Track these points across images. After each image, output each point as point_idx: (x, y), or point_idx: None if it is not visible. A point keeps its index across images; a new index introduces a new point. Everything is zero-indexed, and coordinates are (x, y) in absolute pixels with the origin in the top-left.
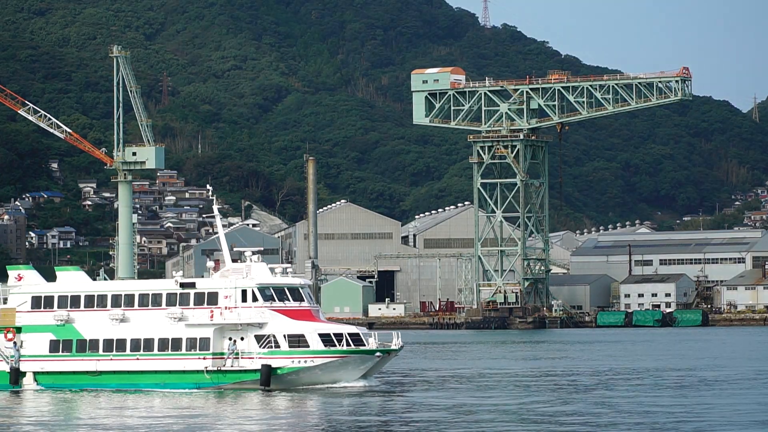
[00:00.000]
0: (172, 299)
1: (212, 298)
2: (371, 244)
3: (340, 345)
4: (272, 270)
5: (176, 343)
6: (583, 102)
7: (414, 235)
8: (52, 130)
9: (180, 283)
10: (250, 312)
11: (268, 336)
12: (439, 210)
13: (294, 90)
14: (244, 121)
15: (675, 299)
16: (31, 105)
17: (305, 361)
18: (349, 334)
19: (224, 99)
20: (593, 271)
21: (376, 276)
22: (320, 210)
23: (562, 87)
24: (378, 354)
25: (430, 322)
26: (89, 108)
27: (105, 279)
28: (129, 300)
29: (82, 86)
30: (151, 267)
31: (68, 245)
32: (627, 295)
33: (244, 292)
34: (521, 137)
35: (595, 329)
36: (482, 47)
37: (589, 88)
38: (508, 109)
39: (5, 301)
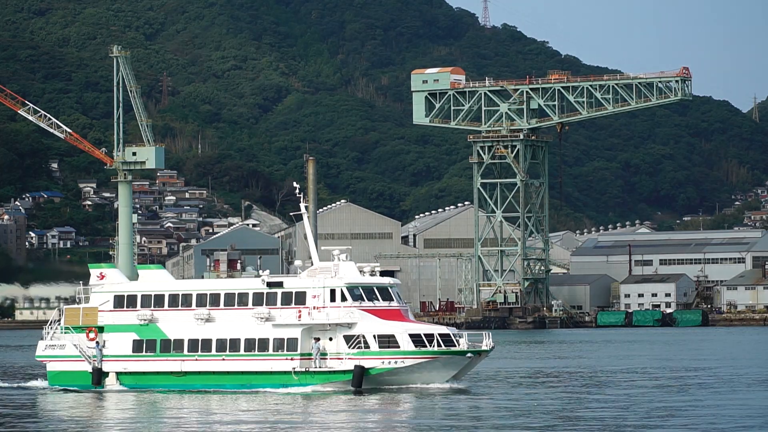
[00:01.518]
0: (258, 299)
1: (300, 298)
2: (371, 244)
3: (431, 345)
4: (360, 269)
5: (263, 344)
6: (583, 102)
7: (414, 235)
8: (52, 130)
9: (267, 283)
10: (339, 312)
11: (358, 336)
12: (439, 210)
13: (294, 90)
14: (244, 121)
15: (675, 299)
16: (31, 105)
17: (396, 362)
18: (439, 334)
19: (224, 99)
20: (593, 271)
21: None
22: (320, 210)
23: (562, 87)
24: (469, 355)
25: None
26: (89, 108)
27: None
28: (214, 299)
29: (82, 86)
30: None
31: (68, 245)
32: (627, 295)
33: (332, 292)
34: (521, 137)
35: (595, 329)
36: (482, 47)
37: (589, 88)
38: (508, 109)
39: (87, 300)
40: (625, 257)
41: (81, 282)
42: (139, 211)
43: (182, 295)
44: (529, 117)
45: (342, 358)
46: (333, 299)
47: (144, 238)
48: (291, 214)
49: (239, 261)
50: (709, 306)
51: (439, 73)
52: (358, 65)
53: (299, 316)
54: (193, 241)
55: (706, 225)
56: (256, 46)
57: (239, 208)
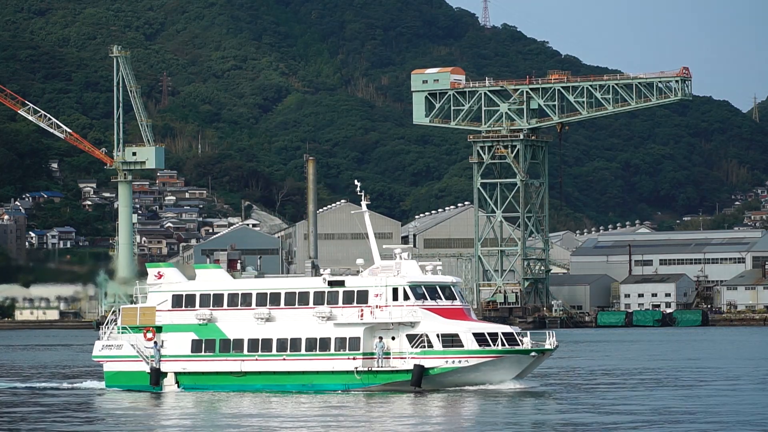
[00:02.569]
0: (319, 298)
1: (362, 297)
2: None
3: (494, 345)
4: (422, 267)
5: (325, 343)
6: (583, 102)
7: (414, 235)
8: (52, 130)
9: (329, 281)
10: (402, 311)
11: (421, 335)
12: (439, 210)
13: (294, 90)
14: (244, 121)
15: (675, 299)
16: (31, 105)
17: (459, 362)
18: (503, 333)
19: (224, 99)
20: (593, 271)
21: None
22: (320, 210)
23: (562, 87)
24: (533, 354)
25: None
26: (89, 108)
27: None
28: (275, 298)
29: (82, 86)
30: None
31: (68, 245)
32: (627, 295)
33: (395, 291)
34: (521, 137)
35: (595, 329)
36: (482, 47)
37: (589, 88)
38: (508, 109)
39: (144, 299)
40: (625, 257)
41: (81, 282)
42: (139, 211)
43: (242, 294)
44: (529, 117)
45: (405, 358)
46: (395, 298)
47: (144, 238)
48: (353, 212)
49: (239, 261)
50: (709, 306)
51: (439, 73)
52: (358, 65)
53: (361, 315)
54: (193, 241)
55: (706, 225)
56: (256, 46)
57: (239, 208)
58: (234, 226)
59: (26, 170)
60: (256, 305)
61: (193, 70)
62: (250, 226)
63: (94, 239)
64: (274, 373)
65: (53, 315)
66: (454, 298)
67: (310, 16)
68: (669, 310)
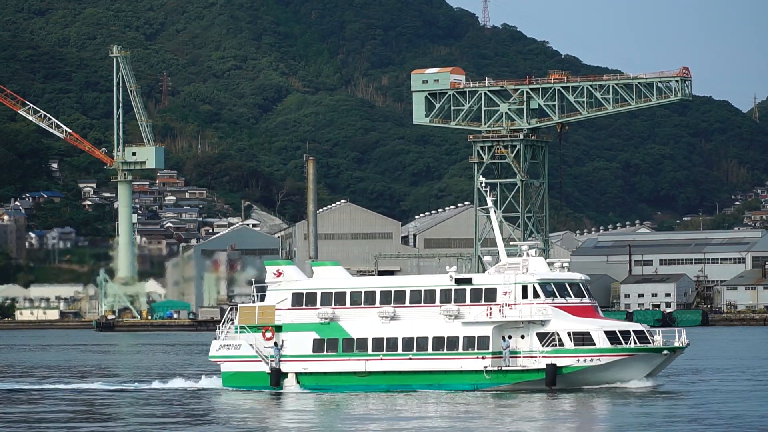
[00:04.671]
0: (446, 296)
1: (490, 295)
2: (371, 244)
3: (626, 343)
4: (550, 264)
5: (452, 342)
6: (583, 102)
7: (414, 235)
8: (52, 130)
9: (455, 279)
10: (532, 309)
11: (552, 334)
12: (439, 210)
13: (294, 90)
14: (244, 121)
15: (675, 299)
16: (31, 105)
17: (591, 360)
18: (634, 331)
19: (224, 99)
20: (593, 271)
21: (376, 275)
22: (320, 210)
23: (562, 87)
24: (665, 352)
25: None
26: (89, 108)
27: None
28: (399, 296)
29: (82, 86)
30: (151, 267)
31: (68, 245)
32: (627, 295)
33: (524, 288)
34: (521, 137)
35: None
36: (482, 47)
37: (589, 88)
38: (508, 109)
39: (262, 298)
40: (625, 257)
41: (81, 282)
42: (139, 211)
43: (365, 292)
44: (529, 117)
45: (535, 357)
46: (525, 296)
47: (144, 238)
48: (479, 209)
49: (238, 262)
50: (709, 306)
51: (439, 73)
52: (358, 65)
53: (489, 314)
54: (193, 241)
55: (706, 225)
56: (256, 46)
57: (239, 208)
58: (234, 226)
59: (26, 170)
60: (380, 303)
61: (193, 70)
62: (250, 226)
63: (94, 239)
64: (400, 372)
65: (53, 315)
66: (583, 296)
67: (310, 16)
68: (669, 310)
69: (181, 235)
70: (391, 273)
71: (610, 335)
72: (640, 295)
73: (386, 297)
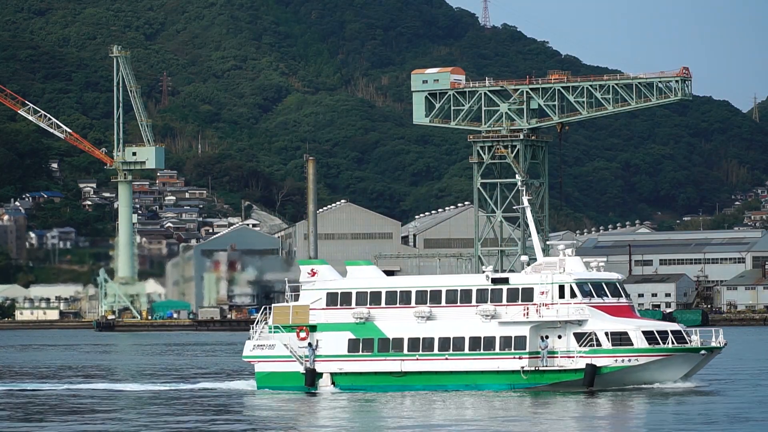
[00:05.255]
0: (483, 295)
1: (527, 294)
2: (371, 244)
3: (664, 343)
4: (586, 264)
5: (489, 342)
6: (583, 102)
7: (414, 235)
8: (52, 130)
9: (492, 279)
10: (570, 309)
11: (589, 334)
12: (439, 210)
13: (294, 90)
14: (244, 121)
15: (675, 299)
16: (31, 105)
17: (629, 360)
18: (672, 331)
19: (224, 99)
20: None
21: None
22: (320, 210)
23: (562, 87)
24: (703, 352)
25: None
26: (89, 108)
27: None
28: (435, 296)
29: (82, 86)
30: (151, 267)
31: (68, 245)
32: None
33: (561, 288)
34: (521, 137)
35: None
36: (482, 47)
37: (589, 88)
38: (508, 109)
39: (296, 297)
40: (625, 257)
41: (81, 282)
42: (139, 211)
43: (401, 292)
44: (529, 117)
45: (573, 357)
46: (562, 296)
47: (144, 238)
48: (515, 207)
49: (238, 262)
50: (709, 306)
51: (439, 73)
52: (358, 65)
53: (526, 313)
54: (193, 241)
55: (706, 225)
56: (256, 46)
57: (239, 208)
58: (234, 226)
59: (26, 170)
60: (416, 303)
61: (193, 70)
62: (250, 226)
63: (94, 239)
64: (436, 373)
65: (53, 315)
66: (620, 295)
67: (310, 16)
68: (669, 310)
69: (181, 235)
70: (392, 273)
71: (648, 335)
72: (640, 295)
73: (422, 297)
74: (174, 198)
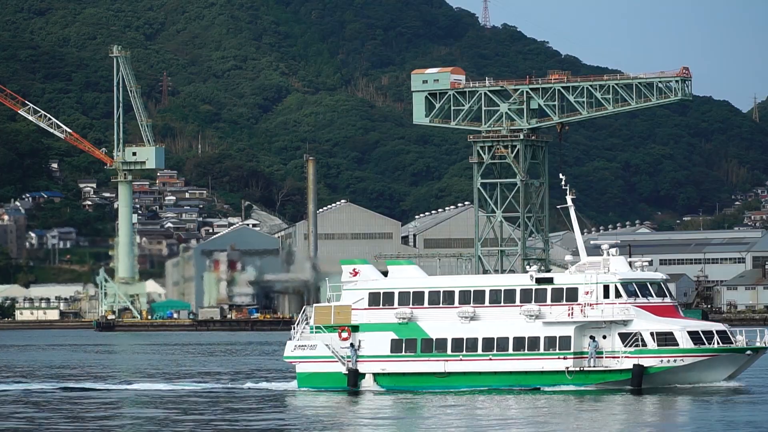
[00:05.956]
0: (527, 295)
1: (571, 294)
2: (371, 244)
3: (710, 343)
4: (631, 263)
5: (533, 342)
6: (583, 102)
7: (414, 235)
8: (52, 130)
9: (536, 279)
10: (614, 309)
11: (635, 334)
12: (439, 210)
13: (294, 90)
14: (244, 121)
15: (675, 299)
16: (31, 105)
17: (675, 361)
18: (717, 331)
19: (224, 99)
20: None
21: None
22: (320, 210)
23: (562, 87)
24: (748, 352)
25: None
26: (89, 108)
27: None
28: (479, 296)
29: (82, 86)
30: (151, 267)
31: (68, 245)
32: None
33: (606, 288)
34: (521, 137)
35: None
36: (482, 47)
37: (589, 88)
38: (508, 109)
39: (338, 297)
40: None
41: (81, 282)
42: (139, 211)
43: (444, 292)
44: (529, 117)
45: (618, 357)
46: (606, 295)
47: (144, 238)
48: (558, 207)
49: (238, 262)
50: (709, 306)
51: (439, 73)
52: (358, 65)
53: (570, 313)
54: (193, 242)
55: (706, 225)
56: (256, 46)
57: (239, 208)
58: (234, 226)
59: (26, 170)
60: (460, 303)
61: (193, 70)
62: (250, 226)
63: (94, 239)
64: (480, 373)
65: (53, 315)
66: (664, 295)
67: (310, 16)
68: None
69: (181, 235)
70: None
71: (693, 335)
72: None
73: (465, 297)
74: (174, 198)
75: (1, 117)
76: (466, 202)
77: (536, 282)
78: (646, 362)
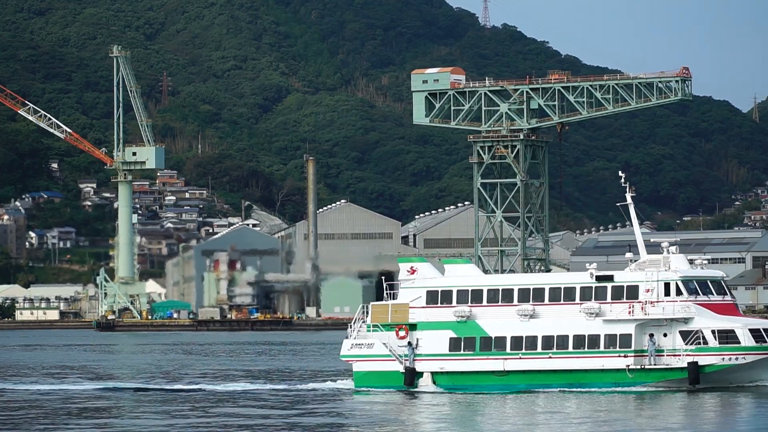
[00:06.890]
0: (587, 293)
1: (632, 292)
2: (371, 244)
3: None
4: (690, 261)
5: (594, 341)
6: (583, 102)
7: (414, 235)
8: (52, 130)
9: (596, 277)
10: (675, 306)
11: (696, 332)
12: (439, 210)
13: (294, 90)
14: (244, 121)
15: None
16: (31, 105)
17: (736, 359)
18: None
19: (224, 99)
20: None
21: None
22: (320, 210)
23: (562, 87)
24: None
25: None
26: (89, 108)
27: None
28: (538, 294)
29: (82, 86)
30: (151, 267)
31: (68, 245)
32: None
33: (667, 286)
34: (521, 137)
35: None
36: (482, 47)
37: (589, 88)
38: (508, 109)
39: (395, 296)
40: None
41: (81, 282)
42: (139, 211)
43: (502, 290)
44: (529, 117)
45: (679, 355)
46: (667, 293)
47: (144, 238)
48: (617, 204)
49: (238, 262)
50: None
51: (439, 73)
52: (358, 65)
53: (631, 311)
54: (193, 242)
55: (706, 225)
56: (256, 46)
57: (239, 208)
58: (234, 226)
59: (26, 170)
60: (519, 301)
61: (193, 70)
62: (250, 226)
63: (94, 239)
64: (540, 372)
65: (53, 315)
66: (724, 293)
67: (310, 16)
68: None
69: (181, 235)
70: (391, 273)
71: (755, 333)
72: None
73: (524, 295)
74: (174, 198)
75: (1, 117)
76: (466, 202)
77: (596, 280)
78: (707, 360)
